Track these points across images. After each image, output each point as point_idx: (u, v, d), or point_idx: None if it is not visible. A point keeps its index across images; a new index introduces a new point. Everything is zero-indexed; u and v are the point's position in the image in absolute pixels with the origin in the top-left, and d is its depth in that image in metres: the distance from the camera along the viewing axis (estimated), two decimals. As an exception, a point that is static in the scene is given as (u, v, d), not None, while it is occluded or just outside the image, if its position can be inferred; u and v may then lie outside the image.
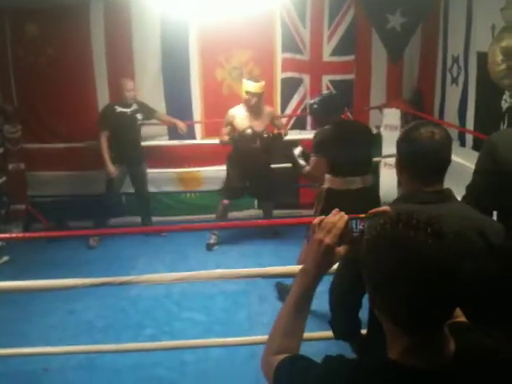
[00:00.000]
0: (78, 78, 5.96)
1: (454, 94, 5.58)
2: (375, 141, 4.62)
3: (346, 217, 1.36)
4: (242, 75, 6.09)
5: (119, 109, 5.60)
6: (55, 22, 5.80)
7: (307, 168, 4.15)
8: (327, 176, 4.11)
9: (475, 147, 5.06)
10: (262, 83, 5.28)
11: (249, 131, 5.23)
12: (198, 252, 5.52)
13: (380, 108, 6.11)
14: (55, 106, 5.95)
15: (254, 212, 6.35)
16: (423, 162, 1.79)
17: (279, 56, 6.17)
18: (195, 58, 6.10)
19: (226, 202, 5.58)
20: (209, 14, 5.88)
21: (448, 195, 1.82)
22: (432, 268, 1.03)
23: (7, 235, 4.63)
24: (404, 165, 1.87)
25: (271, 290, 4.52)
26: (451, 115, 5.63)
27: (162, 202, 6.40)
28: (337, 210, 1.40)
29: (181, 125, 5.84)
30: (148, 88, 6.08)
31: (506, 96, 4.54)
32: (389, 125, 5.93)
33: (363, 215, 1.42)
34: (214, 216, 5.79)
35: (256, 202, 6.23)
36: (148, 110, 5.82)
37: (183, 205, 6.41)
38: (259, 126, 5.32)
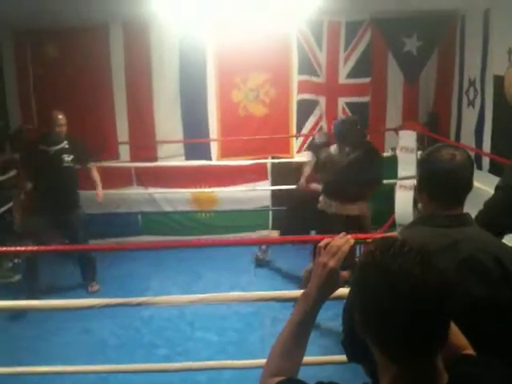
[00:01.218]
0: (97, 99, 6.05)
1: (470, 117, 5.57)
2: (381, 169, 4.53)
3: (351, 241, 1.34)
4: (258, 97, 6.15)
5: (42, 147, 4.86)
6: (75, 42, 5.92)
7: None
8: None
9: (492, 170, 5.04)
10: None
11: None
12: (211, 272, 5.52)
13: (396, 130, 6.11)
14: (74, 125, 6.00)
15: (268, 233, 6.36)
16: (442, 183, 1.77)
17: (295, 78, 6.22)
18: (212, 79, 6.17)
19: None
20: (226, 36, 5.96)
21: (466, 220, 1.79)
22: (418, 298, 1.02)
23: (22, 248, 4.65)
24: (423, 186, 1.85)
25: (285, 312, 4.48)
26: (468, 138, 5.62)
27: (177, 222, 6.43)
28: (344, 233, 1.39)
29: (99, 194, 5.24)
30: (165, 108, 6.17)
31: (522, 119, 4.53)
32: (404, 147, 5.91)
33: (369, 240, 1.42)
34: (228, 236, 5.82)
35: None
36: (81, 153, 5.09)
37: (198, 224, 6.43)
38: None
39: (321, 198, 4.27)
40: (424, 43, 6.09)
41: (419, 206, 1.94)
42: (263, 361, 3.14)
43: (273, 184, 6.34)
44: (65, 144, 4.91)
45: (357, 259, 1.32)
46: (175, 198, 6.33)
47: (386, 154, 6.16)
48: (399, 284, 1.03)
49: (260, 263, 5.63)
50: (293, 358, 1.32)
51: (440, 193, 1.79)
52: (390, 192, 6.16)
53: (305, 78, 6.21)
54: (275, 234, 6.16)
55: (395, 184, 6.03)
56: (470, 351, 1.31)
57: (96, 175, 5.28)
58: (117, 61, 6.05)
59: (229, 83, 6.19)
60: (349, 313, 2.03)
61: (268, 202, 6.44)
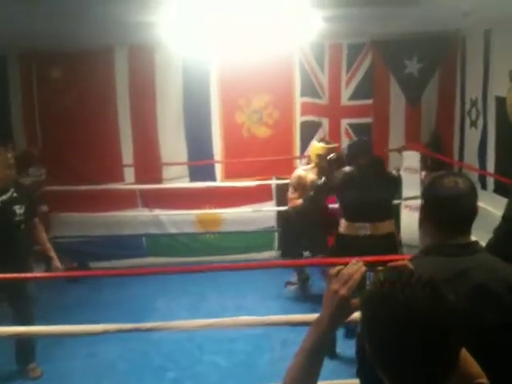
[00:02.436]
0: (102, 122, 6.11)
1: (473, 137, 5.62)
2: (396, 186, 4.53)
3: (363, 269, 1.33)
4: (262, 118, 6.21)
5: None
6: (80, 65, 5.99)
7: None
8: (341, 220, 4.14)
9: (496, 190, 5.07)
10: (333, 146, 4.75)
11: (322, 179, 4.48)
12: (216, 294, 5.49)
13: (399, 150, 6.16)
14: (79, 148, 6.07)
15: (273, 253, 6.37)
16: (447, 211, 1.77)
17: (298, 100, 6.30)
18: (216, 101, 6.24)
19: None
20: (229, 59, 6.03)
21: (475, 248, 1.78)
22: (425, 330, 1.04)
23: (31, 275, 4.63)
24: (428, 215, 1.84)
25: (294, 335, 4.46)
26: (471, 158, 5.66)
27: (181, 243, 6.43)
28: (356, 259, 1.38)
29: (56, 264, 4.09)
30: (170, 130, 6.23)
31: (526, 139, 4.59)
32: (408, 167, 5.96)
33: (381, 268, 1.42)
34: (234, 257, 5.82)
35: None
36: (29, 202, 3.96)
37: (203, 245, 6.43)
38: None
39: (342, 222, 4.07)
40: (425, 65, 6.17)
41: (420, 235, 1.93)
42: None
43: (278, 205, 6.36)
44: (12, 192, 3.77)
45: (368, 287, 1.32)
46: (180, 219, 6.34)
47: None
48: (406, 316, 1.05)
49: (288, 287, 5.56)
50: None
51: (446, 221, 1.78)
52: (395, 213, 6.18)
53: (307, 99, 6.28)
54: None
55: (400, 204, 6.07)
56: (484, 380, 1.31)
57: (42, 233, 4.14)
58: (121, 83, 6.12)
59: (232, 105, 6.25)
60: (360, 342, 2.03)
61: (273, 223, 6.46)
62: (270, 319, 2.94)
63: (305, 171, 4.90)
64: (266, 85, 6.18)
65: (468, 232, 1.81)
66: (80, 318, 4.79)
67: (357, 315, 1.37)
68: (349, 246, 3.91)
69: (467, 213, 1.80)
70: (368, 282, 1.32)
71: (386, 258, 2.01)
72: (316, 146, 4.77)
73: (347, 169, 4.15)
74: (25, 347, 4.00)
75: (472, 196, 1.80)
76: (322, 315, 1.32)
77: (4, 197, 3.67)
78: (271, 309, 5.15)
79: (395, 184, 4.39)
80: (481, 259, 1.74)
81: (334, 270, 1.34)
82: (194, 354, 4.36)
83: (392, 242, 4.14)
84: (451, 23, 5.47)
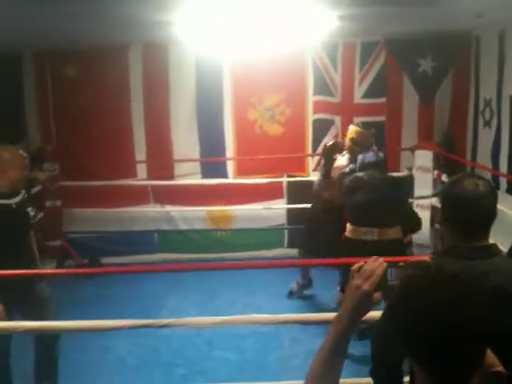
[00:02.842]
0: (116, 119, 6.15)
1: (486, 137, 5.59)
2: (407, 191, 4.43)
3: (384, 265, 1.37)
4: (274, 116, 6.22)
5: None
6: (94, 64, 6.03)
7: None
8: (348, 224, 4.10)
9: (509, 190, 5.04)
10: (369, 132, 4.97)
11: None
12: (226, 291, 5.51)
13: (411, 149, 6.14)
14: (92, 145, 6.11)
15: (283, 251, 6.38)
16: (467, 214, 1.78)
17: (310, 98, 6.30)
18: (229, 98, 6.26)
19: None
20: (242, 56, 6.04)
21: (492, 251, 1.79)
22: (454, 323, 1.06)
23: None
24: (447, 217, 1.86)
25: (303, 332, 4.48)
26: (484, 158, 5.63)
27: (193, 240, 6.46)
28: (376, 257, 1.41)
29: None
30: (183, 127, 6.26)
31: (540, 140, 4.56)
32: (421, 167, 5.95)
33: (402, 264, 1.45)
34: (245, 254, 5.85)
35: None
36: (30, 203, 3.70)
37: (214, 242, 6.46)
38: None
39: (349, 226, 4.03)
40: (439, 64, 6.13)
41: (440, 236, 1.95)
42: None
43: (288, 202, 6.37)
44: (24, 193, 3.54)
45: (388, 282, 1.38)
46: (191, 215, 6.38)
47: (401, 174, 6.19)
48: (436, 309, 1.07)
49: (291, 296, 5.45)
50: (330, 378, 1.35)
51: (465, 224, 1.79)
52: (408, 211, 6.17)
53: (320, 98, 6.27)
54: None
55: (412, 203, 6.05)
56: (500, 368, 1.33)
57: (34, 247, 3.73)
58: (135, 81, 6.16)
59: (245, 102, 6.27)
60: (376, 345, 2.05)
61: (284, 220, 6.47)
62: (281, 318, 2.95)
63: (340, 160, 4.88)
64: (278, 83, 6.19)
65: (487, 234, 1.82)
66: (92, 313, 4.87)
67: (373, 314, 1.40)
68: (354, 250, 3.83)
69: (487, 215, 1.81)
70: (389, 278, 1.38)
71: (408, 258, 2.03)
72: (351, 129, 4.91)
73: (356, 174, 4.12)
74: (45, 367, 3.58)
75: (492, 198, 1.81)
76: (344, 310, 1.35)
77: (17, 198, 3.45)
78: (279, 307, 5.17)
79: (406, 189, 4.31)
80: (499, 262, 1.75)
81: (355, 266, 1.38)
82: (203, 350, 4.38)
83: (399, 248, 4.01)
84: (465, 22, 5.43)
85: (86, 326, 2.82)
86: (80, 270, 3.78)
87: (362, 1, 3.82)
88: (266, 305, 5.14)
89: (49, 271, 3.20)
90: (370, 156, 4.18)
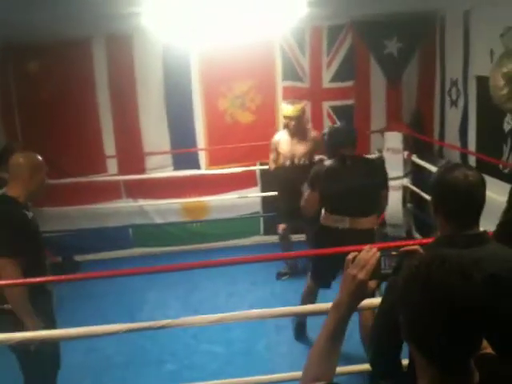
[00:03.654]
0: (82, 113, 6.00)
1: (453, 117, 5.69)
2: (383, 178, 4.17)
3: (378, 254, 1.45)
4: (244, 104, 6.19)
5: (29, 214, 2.99)
6: (57, 58, 5.82)
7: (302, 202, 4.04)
8: (322, 210, 4.04)
9: (478, 168, 5.15)
10: (298, 106, 5.20)
11: (287, 163, 5.27)
12: (206, 282, 5.50)
13: (381, 132, 6.22)
14: (60, 141, 5.95)
15: (260, 238, 6.41)
16: (458, 204, 1.84)
17: (280, 84, 6.27)
18: (197, 88, 6.17)
19: (282, 226, 5.46)
20: (210, 45, 5.95)
21: (484, 238, 1.85)
22: (461, 307, 1.11)
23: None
24: (439, 208, 1.91)
25: (287, 320, 4.53)
26: (452, 137, 5.74)
27: (168, 232, 6.41)
28: (370, 246, 1.49)
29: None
30: (152, 119, 6.16)
31: (508, 118, 4.66)
32: (391, 148, 6.04)
33: (394, 253, 1.51)
34: (222, 244, 5.83)
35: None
36: None
37: (190, 234, 6.42)
38: (302, 149, 5.21)
39: (323, 213, 4.01)
40: (404, 45, 6.19)
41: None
42: (274, 376, 3.16)
43: (262, 190, 6.37)
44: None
45: (382, 271, 1.46)
46: (165, 208, 6.32)
47: (372, 156, 6.27)
48: (444, 296, 1.12)
49: (280, 278, 5.60)
50: (329, 364, 1.43)
51: (457, 213, 1.85)
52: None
53: (289, 83, 6.26)
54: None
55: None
56: (489, 350, 1.39)
57: None
58: (100, 74, 6.00)
59: (214, 91, 6.20)
60: (377, 333, 2.08)
61: (259, 208, 6.48)
62: (281, 311, 2.97)
63: (279, 134, 5.40)
64: (247, 70, 6.14)
65: (477, 222, 1.88)
66: (73, 311, 4.82)
67: (367, 302, 1.44)
68: (327, 237, 3.88)
69: (478, 204, 1.87)
70: (382, 266, 1.46)
71: (398, 243, 2.07)
72: (281, 107, 5.28)
73: (328, 162, 3.98)
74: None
75: (482, 188, 1.87)
76: (341, 298, 1.43)
77: (31, 213, 3.02)
78: (262, 295, 5.22)
79: (382, 176, 4.10)
80: (491, 249, 1.81)
81: (350, 256, 1.46)
82: (190, 344, 4.39)
83: (370, 238, 3.86)
84: (429, 3, 5.49)
85: (83, 333, 2.76)
86: (63, 277, 3.55)
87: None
88: (250, 294, 5.18)
89: (30, 280, 2.80)
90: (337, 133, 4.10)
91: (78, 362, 4.13)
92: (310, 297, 4.03)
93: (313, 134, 5.33)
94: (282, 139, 5.32)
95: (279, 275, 5.58)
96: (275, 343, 4.32)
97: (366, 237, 3.76)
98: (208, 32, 5.83)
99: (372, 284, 1.44)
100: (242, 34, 5.80)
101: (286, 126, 5.30)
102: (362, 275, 1.40)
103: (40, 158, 3.12)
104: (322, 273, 4.00)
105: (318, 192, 3.90)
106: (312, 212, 4.07)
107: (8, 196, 2.97)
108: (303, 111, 5.31)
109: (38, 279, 2.76)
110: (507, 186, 2.18)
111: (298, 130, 5.20)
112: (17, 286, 2.78)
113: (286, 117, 5.24)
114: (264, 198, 6.37)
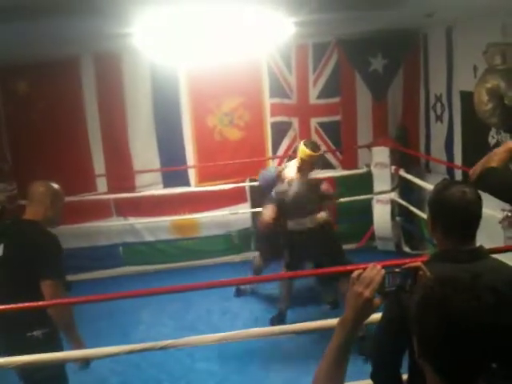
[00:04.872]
0: (71, 132, 6.01)
1: (439, 131, 5.81)
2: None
3: (382, 271, 1.47)
4: (233, 121, 6.25)
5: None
6: (46, 77, 5.83)
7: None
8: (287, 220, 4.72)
9: (465, 182, 5.25)
10: (318, 153, 4.71)
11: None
12: (200, 299, 5.50)
13: (368, 147, 6.32)
14: (49, 160, 5.93)
15: (251, 254, 6.39)
16: (456, 220, 1.88)
17: (267, 101, 6.36)
18: (186, 105, 6.23)
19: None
20: (198, 63, 5.98)
21: (482, 253, 1.90)
22: (474, 326, 1.14)
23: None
24: (437, 224, 1.96)
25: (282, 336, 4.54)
26: (437, 151, 5.85)
27: (159, 250, 6.41)
28: (374, 263, 1.50)
29: None
30: (141, 137, 6.19)
31: (492, 132, 4.78)
32: (379, 163, 6.14)
33: (398, 270, 1.54)
34: (213, 260, 5.85)
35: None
36: None
37: (181, 251, 6.42)
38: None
39: (290, 222, 4.73)
40: (389, 61, 6.32)
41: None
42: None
43: (253, 206, 6.41)
44: None
45: (386, 288, 1.48)
46: (156, 226, 6.33)
47: (360, 171, 6.37)
48: (458, 316, 1.15)
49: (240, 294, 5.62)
50: (336, 380, 1.43)
51: (454, 230, 1.90)
52: (367, 207, 6.36)
53: (277, 100, 6.35)
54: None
55: (372, 199, 6.23)
56: None
57: None
58: (89, 93, 6.03)
59: (203, 109, 6.26)
60: (377, 348, 2.11)
61: (249, 224, 6.50)
62: (282, 329, 2.98)
63: (291, 162, 4.91)
64: (235, 88, 6.21)
65: (474, 238, 1.93)
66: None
67: (374, 317, 1.47)
68: (295, 238, 4.71)
69: (475, 220, 1.91)
70: (386, 284, 1.47)
71: (401, 261, 2.11)
72: (301, 149, 4.65)
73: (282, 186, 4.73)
74: None
75: (479, 204, 1.92)
76: (347, 316, 1.44)
77: None
78: (254, 310, 5.24)
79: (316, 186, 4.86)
80: (490, 264, 1.86)
81: (355, 273, 1.47)
82: (184, 363, 4.38)
83: (329, 226, 4.88)
84: (412, 21, 5.60)
85: (83, 355, 2.75)
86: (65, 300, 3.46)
87: (322, 7, 3.88)
88: (243, 311, 5.19)
89: (26, 305, 2.70)
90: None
91: (72, 383, 4.09)
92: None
93: (324, 186, 4.98)
94: (291, 166, 4.88)
95: (239, 291, 5.58)
96: (270, 360, 4.32)
97: (327, 225, 4.90)
98: (196, 51, 5.88)
99: (377, 301, 1.45)
100: (230, 53, 5.86)
101: (300, 165, 4.74)
102: (367, 293, 1.42)
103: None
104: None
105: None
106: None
107: (35, 220, 3.05)
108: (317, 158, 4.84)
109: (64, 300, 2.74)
110: (494, 200, 2.24)
111: (309, 171, 4.79)
112: (67, 306, 3.00)
113: (303, 159, 4.67)
114: (254, 214, 6.40)
